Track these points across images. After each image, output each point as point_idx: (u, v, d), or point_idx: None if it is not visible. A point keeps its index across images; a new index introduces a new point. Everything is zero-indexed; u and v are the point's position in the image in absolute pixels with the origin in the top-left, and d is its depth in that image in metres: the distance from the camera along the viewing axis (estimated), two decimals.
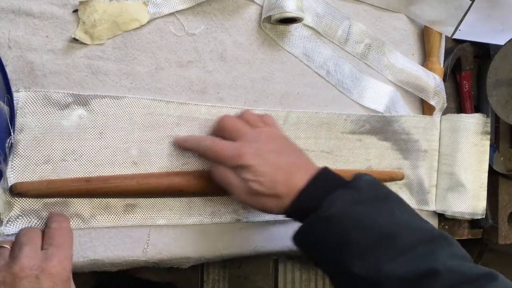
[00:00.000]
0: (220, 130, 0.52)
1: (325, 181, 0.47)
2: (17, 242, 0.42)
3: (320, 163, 0.62)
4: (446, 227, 0.74)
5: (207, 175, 0.53)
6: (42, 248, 0.42)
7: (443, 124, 0.70)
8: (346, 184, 0.46)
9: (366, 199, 0.44)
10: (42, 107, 0.47)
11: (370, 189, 0.46)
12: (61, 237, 0.44)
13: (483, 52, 0.75)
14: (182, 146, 0.53)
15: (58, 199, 0.48)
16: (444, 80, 0.70)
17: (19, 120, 0.46)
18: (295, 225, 0.61)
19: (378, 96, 0.67)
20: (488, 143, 0.70)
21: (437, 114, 0.71)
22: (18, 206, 0.46)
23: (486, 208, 0.71)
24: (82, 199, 0.49)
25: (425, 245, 0.41)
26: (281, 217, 0.59)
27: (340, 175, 0.48)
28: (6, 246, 0.42)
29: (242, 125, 0.51)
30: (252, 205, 0.48)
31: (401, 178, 0.67)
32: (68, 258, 0.42)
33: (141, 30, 0.52)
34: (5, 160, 0.44)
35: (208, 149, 0.49)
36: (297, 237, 0.47)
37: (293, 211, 0.46)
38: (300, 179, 0.46)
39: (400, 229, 0.42)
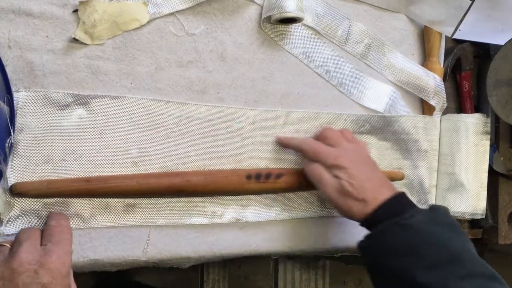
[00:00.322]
0: (322, 138, 0.57)
1: (406, 200, 0.53)
2: (16, 239, 0.43)
3: None
4: None
5: (207, 175, 0.53)
6: (41, 245, 0.42)
7: (443, 124, 0.70)
8: (426, 208, 0.53)
9: (442, 222, 0.51)
10: (42, 107, 0.47)
11: (446, 216, 0.52)
12: (60, 233, 0.44)
13: (483, 52, 0.75)
14: (285, 144, 0.59)
15: (58, 199, 0.48)
16: (444, 80, 0.70)
17: (19, 120, 0.46)
18: (295, 225, 0.61)
19: (378, 96, 0.67)
20: (488, 143, 0.70)
21: (437, 114, 0.71)
22: (18, 206, 0.46)
23: (486, 208, 0.71)
24: (82, 199, 0.49)
25: (489, 278, 0.46)
26: (280, 217, 0.59)
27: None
28: (6, 244, 0.43)
29: (341, 136, 0.57)
30: (338, 204, 0.53)
31: (401, 178, 0.67)
32: (67, 254, 0.42)
33: (141, 30, 0.52)
34: (5, 160, 0.44)
35: (311, 148, 0.56)
36: (369, 239, 0.51)
37: (373, 218, 0.51)
38: (385, 193, 0.52)
39: (470, 258, 0.48)
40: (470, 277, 0.45)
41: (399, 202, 0.52)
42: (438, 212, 0.52)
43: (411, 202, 0.53)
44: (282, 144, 0.60)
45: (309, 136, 0.61)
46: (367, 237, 0.52)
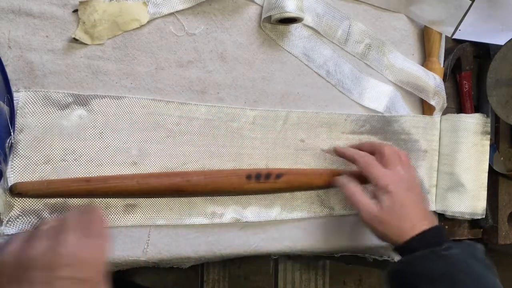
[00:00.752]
0: (378, 154, 0.58)
1: (444, 233, 0.55)
2: (62, 224, 0.42)
3: (320, 163, 0.62)
4: (446, 227, 0.74)
5: (207, 175, 0.53)
6: (84, 236, 0.42)
7: (443, 124, 0.70)
8: (464, 242, 0.54)
9: (479, 258, 0.52)
10: (42, 107, 0.47)
11: (482, 253, 0.53)
12: (102, 228, 0.44)
13: (483, 52, 0.75)
14: (340, 154, 0.61)
15: (58, 199, 0.48)
16: (444, 80, 0.70)
17: (19, 120, 0.46)
18: (295, 225, 0.61)
19: (378, 96, 0.67)
20: (488, 143, 0.70)
21: (437, 114, 0.71)
22: (18, 206, 0.46)
23: (486, 208, 0.71)
24: (82, 199, 0.49)
25: None
26: (280, 217, 0.59)
27: None
28: (51, 223, 0.42)
29: (398, 159, 0.57)
30: (373, 228, 0.54)
31: None
32: (106, 250, 0.43)
33: (141, 30, 0.52)
34: (5, 160, 0.44)
35: (364, 162, 0.56)
36: (402, 264, 0.52)
37: (409, 245, 0.52)
38: (424, 223, 0.53)
39: None
40: None
41: (438, 234, 0.53)
42: (475, 248, 0.53)
43: (445, 234, 0.55)
44: (338, 154, 0.61)
45: (366, 145, 0.62)
46: (400, 262, 0.52)
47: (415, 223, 0.53)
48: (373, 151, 0.59)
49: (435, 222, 0.55)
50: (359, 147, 0.61)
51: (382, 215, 0.53)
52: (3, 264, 0.38)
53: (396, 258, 0.68)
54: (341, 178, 0.58)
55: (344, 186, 0.57)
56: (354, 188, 0.56)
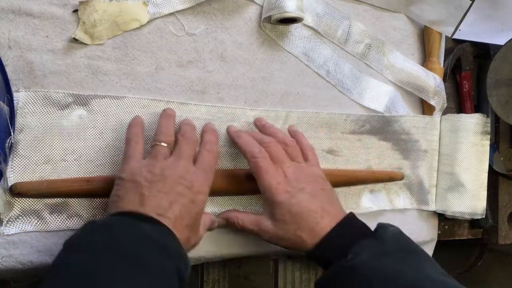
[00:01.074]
0: (264, 146, 0.52)
1: (350, 229, 0.48)
2: (178, 149, 0.47)
3: (320, 163, 0.62)
4: (446, 227, 0.74)
5: None
6: (194, 165, 0.47)
7: (443, 124, 0.70)
8: (370, 234, 0.48)
9: (391, 250, 0.45)
10: (42, 107, 0.47)
11: (395, 241, 0.47)
12: (209, 161, 0.49)
13: (483, 52, 0.75)
14: (231, 139, 0.54)
15: (58, 199, 0.48)
16: (444, 80, 0.70)
17: (19, 120, 0.46)
18: None
19: (378, 96, 0.67)
20: (488, 143, 0.70)
21: (437, 114, 0.71)
22: (18, 206, 0.46)
23: (486, 208, 0.71)
24: (82, 199, 0.49)
25: None
26: None
27: (364, 223, 0.49)
28: (164, 144, 0.47)
29: (284, 155, 0.52)
30: (278, 245, 0.51)
31: (401, 178, 0.67)
32: (209, 184, 0.48)
33: (141, 30, 0.52)
34: (5, 160, 0.44)
35: (255, 163, 0.50)
36: (320, 284, 0.48)
37: (315, 256, 0.48)
38: (325, 226, 0.48)
39: (426, 284, 0.42)
40: None
41: (341, 236, 0.47)
42: (383, 238, 0.46)
43: (354, 229, 0.49)
44: (230, 137, 0.55)
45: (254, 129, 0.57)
46: (320, 280, 0.48)
47: (312, 226, 0.48)
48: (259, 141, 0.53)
49: (339, 214, 0.49)
50: (253, 137, 0.53)
51: (279, 231, 0.49)
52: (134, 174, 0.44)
53: None
54: (223, 215, 0.54)
55: (230, 220, 0.53)
56: (240, 216, 0.53)
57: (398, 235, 0.48)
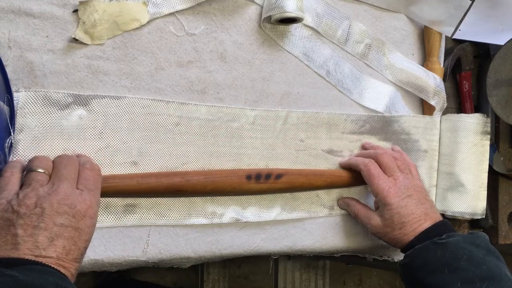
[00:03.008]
0: (378, 162, 0.60)
1: (447, 226, 0.56)
2: (56, 172, 0.42)
3: (320, 163, 0.62)
4: None
5: (207, 175, 0.53)
6: (77, 187, 0.42)
7: (443, 124, 0.70)
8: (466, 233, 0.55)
9: (480, 244, 0.52)
10: (42, 107, 0.47)
11: (485, 241, 0.54)
12: (95, 181, 0.44)
13: (483, 52, 0.75)
14: (345, 166, 0.63)
15: None
16: (444, 80, 0.70)
17: (19, 120, 0.46)
18: (295, 225, 0.61)
19: (378, 96, 0.67)
20: (488, 143, 0.70)
21: (437, 114, 0.71)
22: None
23: (486, 208, 0.71)
24: None
25: None
26: (280, 217, 0.59)
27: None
28: (40, 170, 0.41)
29: (395, 166, 0.60)
30: (381, 238, 0.59)
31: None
32: (97, 204, 0.43)
33: (141, 30, 0.52)
34: (5, 160, 0.44)
35: (368, 171, 0.59)
36: (406, 258, 0.55)
37: (412, 245, 0.55)
38: (425, 224, 0.56)
39: (506, 279, 0.49)
40: None
41: (440, 228, 0.55)
42: (477, 236, 0.54)
43: (452, 228, 0.56)
44: (343, 166, 0.63)
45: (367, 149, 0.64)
46: (405, 256, 0.55)
47: (415, 227, 0.55)
48: (372, 158, 0.61)
49: (438, 218, 0.57)
50: (362, 154, 0.63)
51: (385, 228, 0.57)
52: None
53: (396, 258, 0.68)
54: (346, 200, 0.63)
55: (349, 207, 0.62)
56: (358, 207, 0.61)
57: (488, 239, 0.55)
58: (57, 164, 0.43)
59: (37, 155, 0.44)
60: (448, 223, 0.57)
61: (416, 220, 0.56)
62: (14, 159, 0.46)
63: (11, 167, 0.42)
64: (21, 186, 0.41)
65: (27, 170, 0.42)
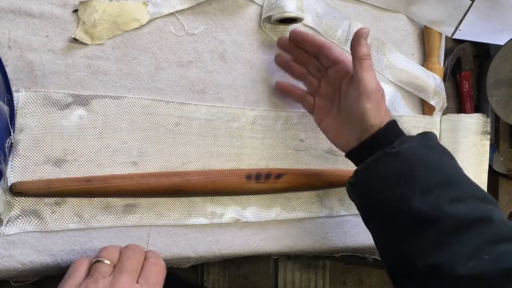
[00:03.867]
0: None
1: (395, 128, 0.51)
2: (119, 264, 0.42)
3: (320, 163, 0.62)
4: None
5: (207, 175, 0.53)
6: (137, 281, 0.41)
7: (443, 124, 0.70)
8: (416, 135, 0.50)
9: (434, 146, 0.49)
10: (42, 107, 0.47)
11: (435, 141, 0.50)
12: (157, 275, 0.43)
13: (483, 52, 0.75)
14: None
15: (58, 198, 0.48)
16: (444, 80, 0.70)
17: (19, 120, 0.46)
18: (295, 225, 0.61)
19: None
20: (488, 143, 0.70)
21: (437, 114, 0.71)
22: (18, 206, 0.46)
23: None
24: (82, 199, 0.49)
25: (484, 200, 0.45)
26: (280, 217, 0.59)
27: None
28: (107, 262, 0.42)
29: None
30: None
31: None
32: None
33: (141, 30, 0.52)
34: (5, 160, 0.44)
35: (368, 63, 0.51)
36: (359, 173, 0.49)
37: (364, 147, 0.50)
38: (374, 129, 0.50)
39: (464, 181, 0.47)
40: (465, 199, 0.44)
41: (388, 132, 0.49)
42: (428, 137, 0.49)
43: (400, 130, 0.51)
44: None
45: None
46: (356, 172, 0.50)
47: (364, 128, 0.50)
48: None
49: (387, 119, 0.51)
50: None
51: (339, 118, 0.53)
52: None
53: None
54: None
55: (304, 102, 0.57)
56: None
57: (437, 139, 0.51)
58: (122, 255, 0.43)
59: (108, 246, 0.45)
60: (396, 123, 0.51)
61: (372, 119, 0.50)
62: (14, 159, 0.46)
63: (83, 258, 0.43)
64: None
65: (95, 260, 0.42)
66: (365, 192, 0.49)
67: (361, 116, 0.50)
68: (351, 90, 0.51)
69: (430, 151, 0.47)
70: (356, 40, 0.50)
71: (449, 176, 0.46)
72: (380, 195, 0.47)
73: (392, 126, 0.50)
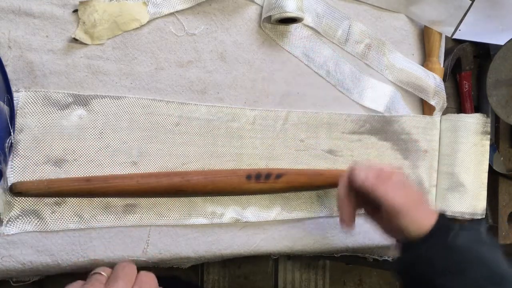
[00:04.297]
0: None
1: (446, 220, 0.53)
2: (114, 273, 0.42)
3: (320, 163, 0.62)
4: None
5: (207, 175, 0.53)
6: (132, 287, 0.42)
7: (443, 124, 0.70)
8: (467, 224, 0.53)
9: (485, 241, 0.51)
10: (42, 107, 0.47)
11: (486, 234, 0.52)
12: (151, 281, 0.43)
13: (483, 52, 0.75)
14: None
15: (58, 198, 0.48)
16: (444, 80, 0.70)
17: (19, 120, 0.46)
18: (295, 225, 0.61)
19: (378, 96, 0.67)
20: (488, 143, 0.70)
21: (437, 114, 0.71)
22: (18, 206, 0.46)
23: (486, 208, 0.71)
24: (82, 199, 0.49)
25: None
26: (280, 217, 0.59)
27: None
28: (103, 273, 0.42)
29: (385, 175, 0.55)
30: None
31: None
32: None
33: (141, 30, 0.52)
34: (5, 160, 0.44)
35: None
36: (413, 258, 0.51)
37: (422, 238, 0.51)
38: (431, 215, 0.52)
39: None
40: None
41: (441, 226, 0.52)
42: (479, 231, 0.52)
43: (451, 220, 0.54)
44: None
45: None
46: (410, 255, 0.52)
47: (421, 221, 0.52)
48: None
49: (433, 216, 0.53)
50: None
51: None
52: None
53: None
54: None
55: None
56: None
57: (486, 228, 0.53)
58: (115, 267, 0.44)
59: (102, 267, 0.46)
60: (444, 214, 0.54)
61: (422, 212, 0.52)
62: (14, 159, 0.46)
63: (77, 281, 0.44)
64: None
65: (92, 273, 0.43)
66: (415, 277, 0.51)
67: (402, 232, 0.52)
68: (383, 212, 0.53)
69: (483, 246, 0.50)
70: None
71: (501, 272, 0.48)
72: (432, 284, 0.49)
73: (443, 220, 0.52)
